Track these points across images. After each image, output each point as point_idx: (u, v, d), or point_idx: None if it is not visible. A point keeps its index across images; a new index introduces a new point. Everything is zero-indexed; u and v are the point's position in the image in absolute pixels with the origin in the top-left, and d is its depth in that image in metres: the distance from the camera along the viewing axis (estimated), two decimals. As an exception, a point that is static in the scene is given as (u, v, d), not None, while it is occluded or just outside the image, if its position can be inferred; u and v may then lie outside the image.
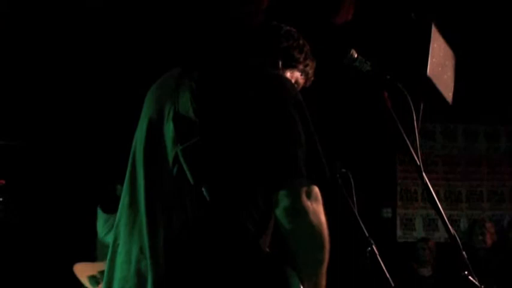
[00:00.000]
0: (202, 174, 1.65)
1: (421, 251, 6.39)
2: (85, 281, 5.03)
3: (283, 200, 1.65)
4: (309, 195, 1.66)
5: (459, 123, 7.64)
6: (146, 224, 1.72)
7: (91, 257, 5.23)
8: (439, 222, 7.25)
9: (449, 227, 1.90)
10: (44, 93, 6.06)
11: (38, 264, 5.87)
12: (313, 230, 1.66)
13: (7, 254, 6.01)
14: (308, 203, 1.65)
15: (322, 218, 1.67)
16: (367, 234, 3.16)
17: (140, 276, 1.68)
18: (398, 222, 7.53)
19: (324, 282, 1.71)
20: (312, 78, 2.12)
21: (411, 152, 1.98)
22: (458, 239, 1.94)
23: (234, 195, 1.67)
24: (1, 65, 5.60)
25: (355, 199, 3.10)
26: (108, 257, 1.85)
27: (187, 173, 1.67)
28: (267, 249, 1.73)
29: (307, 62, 2.07)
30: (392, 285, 2.93)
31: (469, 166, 7.69)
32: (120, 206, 1.87)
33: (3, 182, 5.51)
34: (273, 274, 1.67)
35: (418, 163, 1.97)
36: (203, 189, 1.63)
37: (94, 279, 5.02)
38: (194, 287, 1.60)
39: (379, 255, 3.07)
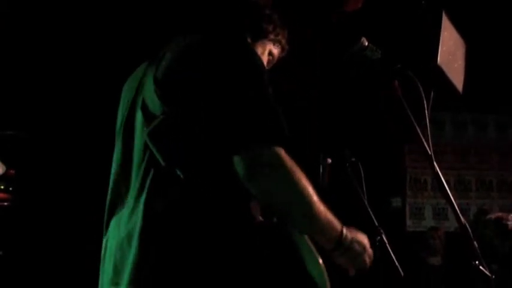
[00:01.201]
0: (171, 153, 1.64)
1: (430, 240, 6.39)
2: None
3: (239, 169, 1.60)
4: (261, 157, 1.62)
5: (469, 112, 7.61)
6: (128, 215, 1.71)
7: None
8: (449, 212, 7.24)
9: (460, 216, 1.89)
10: (55, 83, 6.07)
11: (47, 253, 5.89)
12: (275, 187, 1.62)
13: (16, 242, 6.04)
14: (260, 167, 1.61)
15: (280, 172, 1.62)
16: (376, 224, 3.16)
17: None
18: (407, 211, 7.53)
19: (323, 220, 1.67)
20: (287, 47, 2.07)
21: (422, 141, 1.97)
22: (469, 228, 1.93)
23: (206, 170, 1.64)
24: (10, 55, 5.61)
25: (364, 188, 3.10)
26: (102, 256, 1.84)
27: (157, 155, 1.65)
28: (260, 218, 1.70)
29: (278, 31, 2.02)
30: (402, 274, 2.93)
31: (479, 155, 7.67)
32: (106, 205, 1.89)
33: (12, 172, 5.53)
34: (272, 239, 1.65)
35: (430, 152, 1.96)
36: (176, 169, 1.61)
37: None
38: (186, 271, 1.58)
39: (389, 244, 3.07)
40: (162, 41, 1.87)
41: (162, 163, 1.65)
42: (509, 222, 4.57)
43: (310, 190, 1.64)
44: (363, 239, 1.79)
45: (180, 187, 1.62)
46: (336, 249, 1.71)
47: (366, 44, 2.08)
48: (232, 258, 1.60)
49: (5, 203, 5.60)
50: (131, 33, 5.42)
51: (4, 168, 5.47)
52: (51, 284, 5.66)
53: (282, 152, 1.62)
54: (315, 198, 1.65)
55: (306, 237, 1.71)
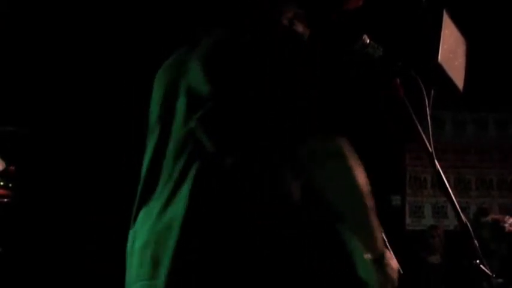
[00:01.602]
0: (222, 140, 1.59)
1: (430, 238, 6.39)
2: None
3: (308, 155, 1.59)
4: (332, 147, 1.62)
5: (469, 111, 7.61)
6: (162, 207, 1.65)
7: (104, 243, 5.25)
8: (448, 210, 7.24)
9: (461, 215, 1.89)
10: (55, 80, 6.07)
11: (47, 250, 5.89)
12: (339, 155, 1.62)
13: (16, 240, 6.04)
14: (344, 146, 1.62)
15: (348, 163, 1.62)
16: (376, 222, 3.15)
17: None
18: (407, 209, 7.52)
19: (374, 223, 1.67)
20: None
21: (423, 139, 1.96)
22: (469, 227, 1.93)
23: (255, 158, 1.58)
24: (10, 52, 5.61)
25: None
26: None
27: (206, 142, 1.59)
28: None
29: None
30: (401, 272, 2.92)
31: (479, 154, 7.67)
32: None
33: (12, 168, 5.52)
34: (318, 235, 1.61)
35: (431, 150, 1.95)
36: (225, 157, 1.57)
37: None
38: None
39: (388, 242, 3.06)
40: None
41: (211, 150, 1.60)
42: (506, 225, 4.58)
43: (367, 188, 1.63)
44: (396, 267, 1.77)
45: (225, 178, 1.58)
46: (376, 262, 1.69)
47: (368, 41, 2.07)
48: (277, 251, 1.55)
49: (5, 200, 5.60)
50: (131, 30, 5.42)
51: (4, 164, 5.47)
52: (50, 280, 5.66)
53: (346, 144, 1.62)
54: (370, 197, 1.64)
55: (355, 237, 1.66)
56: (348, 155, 1.62)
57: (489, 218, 4.65)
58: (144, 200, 1.75)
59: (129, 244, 1.76)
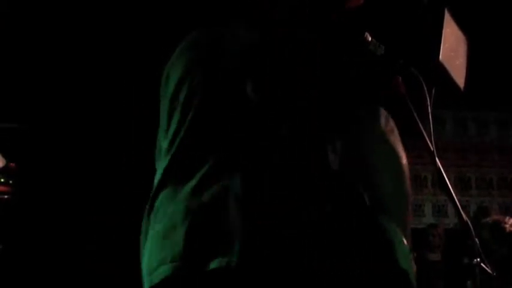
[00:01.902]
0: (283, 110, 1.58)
1: (430, 237, 6.40)
2: None
3: (366, 127, 1.60)
4: (388, 123, 1.62)
5: (470, 110, 7.61)
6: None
7: (104, 242, 5.26)
8: (449, 209, 7.25)
9: (462, 213, 1.89)
10: (56, 76, 6.07)
11: (47, 247, 5.89)
12: (399, 155, 1.60)
13: (16, 236, 6.04)
14: (390, 132, 1.61)
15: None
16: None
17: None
18: (407, 208, 7.52)
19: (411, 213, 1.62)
20: None
21: (425, 137, 1.96)
22: (470, 225, 1.93)
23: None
24: (11, 49, 5.61)
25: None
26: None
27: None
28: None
29: None
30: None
31: (479, 153, 7.67)
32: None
33: (12, 165, 5.53)
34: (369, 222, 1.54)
35: (432, 149, 1.95)
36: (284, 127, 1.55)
37: None
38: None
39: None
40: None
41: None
42: (506, 226, 4.57)
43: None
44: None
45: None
46: (411, 251, 1.62)
47: (370, 39, 2.07)
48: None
49: (5, 196, 5.60)
50: (131, 29, 5.42)
51: (4, 161, 5.47)
52: (51, 277, 5.67)
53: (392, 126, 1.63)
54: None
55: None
56: (396, 140, 1.60)
57: (489, 218, 4.64)
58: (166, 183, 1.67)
59: (143, 230, 1.69)
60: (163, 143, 1.71)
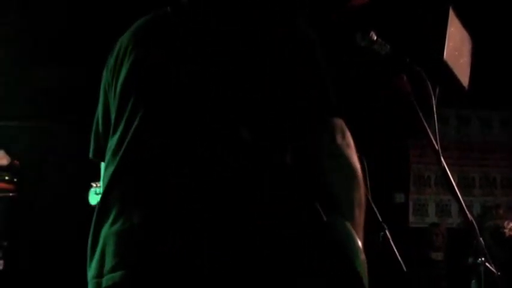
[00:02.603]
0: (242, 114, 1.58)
1: (433, 236, 6.40)
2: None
3: (319, 143, 1.60)
4: (343, 134, 1.63)
5: (474, 109, 7.59)
6: None
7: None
8: (452, 208, 7.24)
9: (467, 212, 1.89)
10: (58, 75, 6.07)
11: (52, 243, 5.90)
12: (353, 169, 1.63)
13: (21, 233, 6.05)
14: (344, 143, 1.62)
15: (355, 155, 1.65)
16: (380, 219, 3.16)
17: None
18: (410, 207, 7.52)
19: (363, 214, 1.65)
20: None
21: (430, 136, 1.96)
22: (475, 225, 1.93)
23: (271, 136, 1.58)
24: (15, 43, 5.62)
25: (368, 184, 3.09)
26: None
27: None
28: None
29: None
30: (405, 269, 2.93)
31: (483, 152, 7.65)
32: None
33: (17, 162, 5.54)
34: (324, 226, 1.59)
35: (437, 148, 1.95)
36: (242, 130, 1.55)
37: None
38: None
39: (392, 240, 3.07)
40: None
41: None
42: (506, 230, 4.56)
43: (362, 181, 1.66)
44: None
45: (229, 177, 1.56)
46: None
47: (375, 38, 2.07)
48: (277, 251, 1.54)
49: (10, 194, 5.61)
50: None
51: (9, 159, 5.48)
52: (55, 274, 5.68)
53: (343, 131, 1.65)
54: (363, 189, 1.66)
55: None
56: (347, 149, 1.62)
57: (491, 222, 4.63)
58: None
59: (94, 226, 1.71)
60: (111, 140, 1.71)
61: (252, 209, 1.54)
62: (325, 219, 1.57)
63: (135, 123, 1.63)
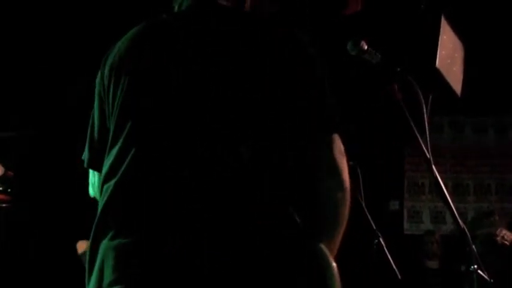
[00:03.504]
0: (240, 130, 1.56)
1: (428, 243, 6.39)
2: (82, 254, 5.07)
3: (320, 156, 1.60)
4: (341, 150, 1.63)
5: (467, 115, 7.61)
6: None
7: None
8: (447, 215, 7.24)
9: (459, 220, 1.89)
10: (56, 85, 6.07)
11: (46, 254, 5.89)
12: (346, 187, 1.62)
13: (15, 244, 6.03)
14: (342, 159, 1.62)
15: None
16: (374, 227, 3.16)
17: None
18: (405, 214, 7.53)
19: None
20: None
21: (421, 145, 1.96)
22: (467, 232, 1.93)
23: (269, 153, 1.57)
24: (10, 58, 5.61)
25: (362, 192, 3.10)
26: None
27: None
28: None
29: None
30: (399, 277, 2.93)
31: (477, 159, 7.67)
32: None
33: (11, 174, 5.52)
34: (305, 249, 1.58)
35: (428, 156, 1.96)
36: (241, 147, 1.53)
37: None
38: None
39: (386, 247, 3.07)
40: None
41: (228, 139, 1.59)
42: (498, 238, 4.56)
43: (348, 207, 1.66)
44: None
45: (229, 177, 1.56)
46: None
47: (366, 47, 2.07)
48: (277, 251, 1.54)
49: (4, 205, 5.59)
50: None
51: (3, 169, 5.46)
52: (49, 285, 5.66)
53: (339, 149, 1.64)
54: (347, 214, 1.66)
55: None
56: (344, 167, 1.62)
57: (482, 231, 4.63)
58: None
59: (95, 237, 1.68)
60: (110, 151, 1.69)
61: (252, 209, 1.54)
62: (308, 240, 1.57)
63: (136, 137, 1.63)
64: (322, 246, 1.58)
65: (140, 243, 1.53)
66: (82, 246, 5.17)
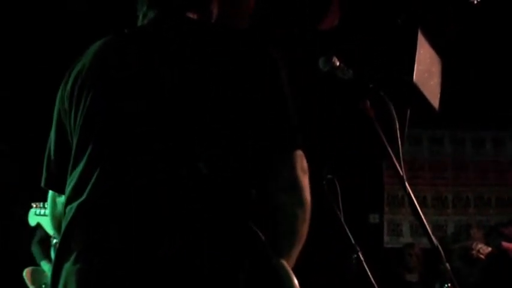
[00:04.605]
0: (198, 146, 1.55)
1: (407, 257, 6.39)
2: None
3: (281, 172, 1.58)
4: (303, 167, 1.61)
5: (446, 129, 7.65)
6: None
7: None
8: (421, 228, 7.26)
9: (432, 237, 1.88)
10: (35, 96, 6.03)
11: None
12: (306, 205, 1.61)
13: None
14: (303, 177, 1.60)
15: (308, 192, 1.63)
16: (353, 241, 3.15)
17: None
18: (385, 227, 7.53)
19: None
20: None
21: (394, 162, 1.96)
22: (441, 249, 1.92)
23: (230, 167, 1.55)
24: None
25: (341, 205, 3.09)
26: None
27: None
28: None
29: None
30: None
31: (456, 171, 7.71)
32: None
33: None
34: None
35: (401, 174, 1.95)
36: (200, 163, 1.52)
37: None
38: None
39: (366, 260, 3.06)
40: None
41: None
42: (473, 252, 4.56)
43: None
44: None
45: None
46: None
47: (338, 63, 2.06)
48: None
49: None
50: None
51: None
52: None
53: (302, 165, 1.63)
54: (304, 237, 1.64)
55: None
56: (305, 185, 1.61)
57: (457, 245, 4.64)
58: None
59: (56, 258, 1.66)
60: (73, 173, 1.66)
61: (211, 226, 1.52)
62: (270, 256, 1.57)
63: (99, 155, 1.60)
64: (283, 261, 1.57)
65: (102, 270, 1.50)
66: (29, 275, 5.12)
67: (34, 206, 4.31)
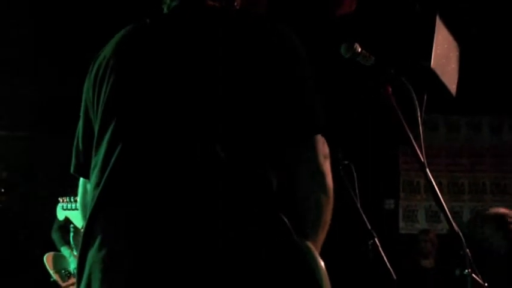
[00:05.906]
0: (215, 129, 1.55)
1: (422, 243, 6.37)
2: (55, 274, 5.10)
3: (304, 158, 1.60)
4: (325, 153, 1.63)
5: (462, 114, 7.61)
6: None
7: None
8: (442, 214, 7.24)
9: (453, 223, 1.88)
10: (47, 84, 6.05)
11: (39, 255, 5.87)
12: (329, 191, 1.63)
13: (7, 244, 6.02)
14: (325, 162, 1.62)
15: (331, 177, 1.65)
16: (369, 227, 3.15)
17: None
18: (400, 214, 7.52)
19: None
20: None
21: (415, 148, 1.95)
22: (462, 236, 1.92)
23: (251, 153, 1.56)
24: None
25: (357, 191, 3.09)
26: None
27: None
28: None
29: None
30: (394, 277, 2.92)
31: (472, 158, 7.67)
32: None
33: (4, 174, 5.52)
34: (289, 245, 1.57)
35: (422, 160, 1.94)
36: (217, 147, 1.52)
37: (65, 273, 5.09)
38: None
39: (382, 247, 3.06)
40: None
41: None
42: (511, 220, 4.41)
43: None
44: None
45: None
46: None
47: (359, 50, 2.06)
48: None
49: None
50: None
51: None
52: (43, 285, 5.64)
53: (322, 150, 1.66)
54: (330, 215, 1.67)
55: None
56: (328, 171, 1.63)
57: (492, 211, 4.46)
58: None
59: (81, 247, 1.67)
60: (94, 159, 1.68)
61: (238, 211, 1.52)
62: (295, 238, 1.57)
63: (120, 143, 1.61)
64: (309, 243, 1.59)
65: (126, 257, 1.51)
66: (49, 260, 5.18)
67: (61, 200, 4.35)
